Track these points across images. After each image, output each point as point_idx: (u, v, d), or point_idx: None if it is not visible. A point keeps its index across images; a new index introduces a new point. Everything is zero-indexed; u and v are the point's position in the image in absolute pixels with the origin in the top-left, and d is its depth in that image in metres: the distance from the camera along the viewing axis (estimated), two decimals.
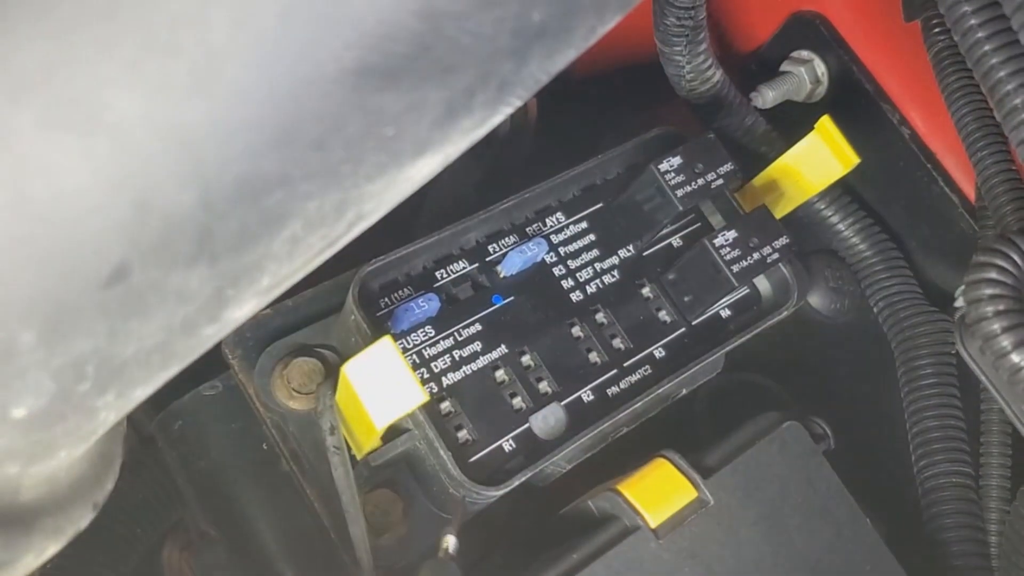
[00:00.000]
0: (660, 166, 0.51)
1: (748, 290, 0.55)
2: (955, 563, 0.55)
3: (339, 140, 0.22)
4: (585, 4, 0.22)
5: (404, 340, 0.46)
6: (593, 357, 0.49)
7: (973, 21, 0.44)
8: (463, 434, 0.45)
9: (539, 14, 0.22)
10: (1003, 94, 0.43)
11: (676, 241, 0.55)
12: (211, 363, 0.38)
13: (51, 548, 0.31)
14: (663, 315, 0.52)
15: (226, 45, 0.20)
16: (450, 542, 0.40)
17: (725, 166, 0.52)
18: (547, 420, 0.47)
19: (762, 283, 0.55)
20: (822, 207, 0.60)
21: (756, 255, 0.51)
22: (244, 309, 0.25)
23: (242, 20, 0.20)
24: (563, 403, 0.48)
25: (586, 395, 0.48)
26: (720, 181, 0.52)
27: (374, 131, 0.22)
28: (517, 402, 0.47)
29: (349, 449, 0.44)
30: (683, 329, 0.52)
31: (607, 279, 0.51)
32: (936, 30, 0.54)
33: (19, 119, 0.20)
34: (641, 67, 0.62)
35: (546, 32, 0.22)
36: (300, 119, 0.21)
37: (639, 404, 0.47)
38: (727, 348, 0.51)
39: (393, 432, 0.44)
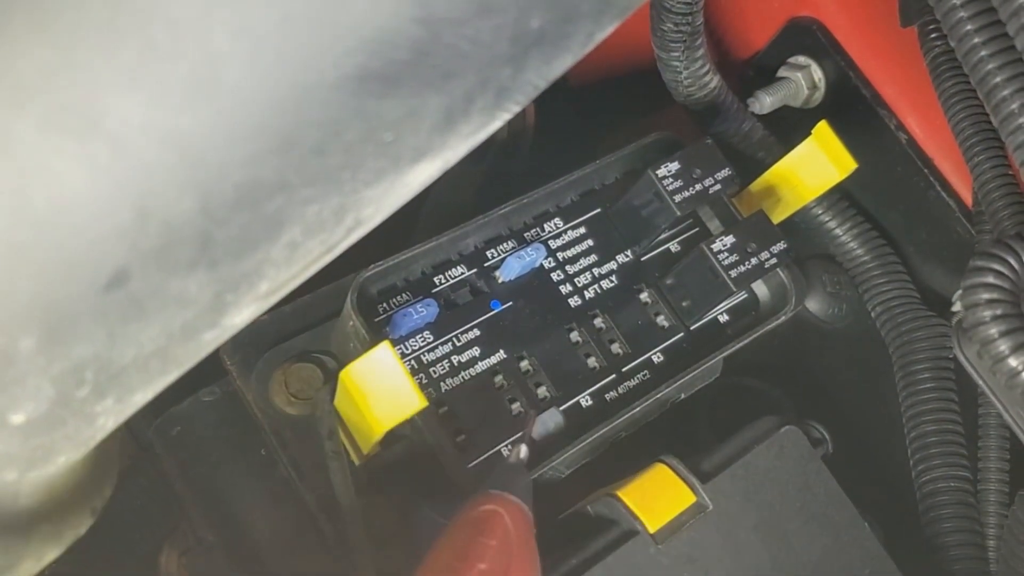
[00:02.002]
0: (658, 171, 0.51)
1: (746, 295, 0.55)
2: (954, 567, 0.55)
3: (338, 146, 0.22)
4: (583, 11, 0.22)
5: (402, 345, 0.46)
6: (591, 362, 0.49)
7: (969, 27, 0.44)
8: (461, 439, 0.45)
9: (537, 21, 0.22)
10: (999, 99, 0.43)
11: (674, 246, 0.55)
12: (209, 369, 0.38)
13: (50, 554, 0.31)
14: (661, 320, 0.52)
15: (226, 51, 0.20)
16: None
17: (723, 171, 0.52)
18: (545, 425, 0.47)
19: (760, 288, 0.55)
20: (819, 212, 0.60)
21: (754, 260, 0.51)
22: (243, 314, 0.25)
23: (242, 27, 0.20)
24: (561, 408, 0.48)
25: (584, 400, 0.48)
26: (718, 186, 0.52)
27: (373, 137, 0.22)
28: (516, 407, 0.47)
29: (348, 454, 0.44)
30: (681, 334, 0.52)
31: (605, 284, 0.52)
32: (933, 35, 0.54)
33: (20, 125, 0.20)
34: (639, 73, 0.62)
35: (544, 39, 0.22)
36: (300, 125, 0.21)
37: (637, 409, 0.47)
38: (725, 353, 0.51)
39: (392, 437, 0.44)
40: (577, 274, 0.51)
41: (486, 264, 0.49)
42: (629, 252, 0.53)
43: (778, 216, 0.55)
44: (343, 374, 0.40)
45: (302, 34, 0.20)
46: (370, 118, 0.22)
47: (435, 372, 0.46)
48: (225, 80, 0.20)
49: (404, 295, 0.47)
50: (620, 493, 0.47)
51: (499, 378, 0.47)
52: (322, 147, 0.22)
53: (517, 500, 0.38)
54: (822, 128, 0.53)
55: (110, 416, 0.26)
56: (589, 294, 0.51)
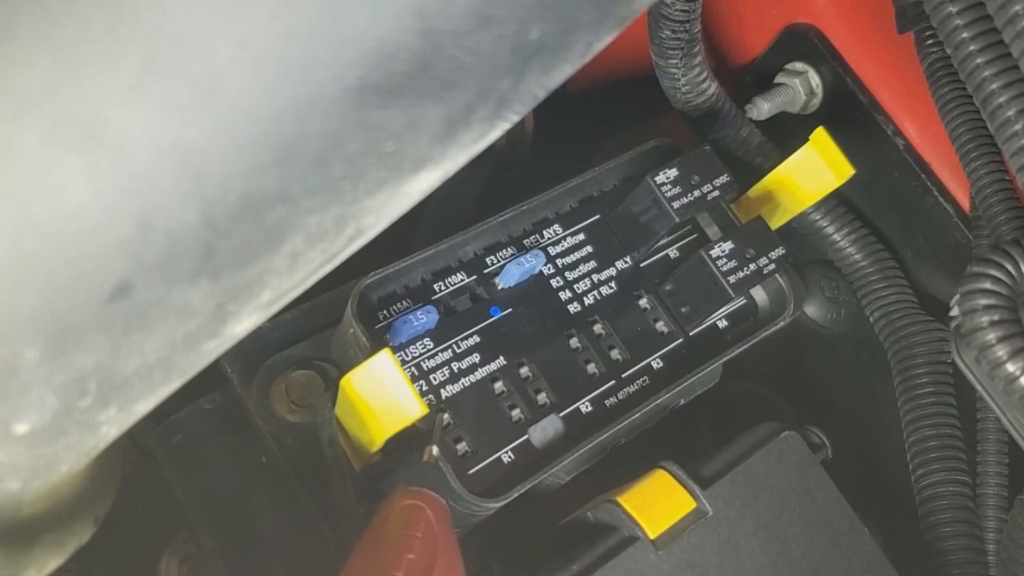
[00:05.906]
0: (656, 178, 0.51)
1: (745, 301, 0.55)
2: (953, 572, 0.55)
3: (340, 156, 0.22)
4: (582, 21, 0.23)
5: (403, 352, 0.46)
6: (591, 368, 0.50)
7: (965, 34, 0.44)
8: (462, 446, 0.45)
9: (537, 32, 0.22)
10: (995, 106, 0.44)
11: (673, 252, 0.55)
12: (210, 376, 0.38)
13: (53, 563, 0.31)
14: (660, 326, 0.52)
15: (229, 64, 0.20)
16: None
17: (721, 178, 0.53)
18: (545, 431, 0.47)
19: (759, 294, 0.55)
20: (817, 218, 0.60)
21: (752, 266, 0.51)
22: (245, 324, 0.25)
23: (245, 39, 0.20)
24: (561, 414, 0.48)
25: (584, 406, 0.48)
26: (716, 192, 0.52)
27: (374, 147, 0.22)
28: (515, 414, 0.47)
29: (348, 461, 0.44)
30: (680, 340, 0.52)
31: (604, 290, 0.52)
32: (929, 42, 0.54)
33: (23, 137, 0.20)
34: (637, 80, 0.62)
35: (544, 49, 0.22)
36: (302, 137, 0.21)
37: (637, 415, 0.48)
38: (724, 358, 0.51)
39: (392, 444, 0.44)
40: (576, 280, 0.51)
41: (486, 271, 0.49)
42: (628, 258, 0.53)
43: (776, 222, 0.55)
44: (344, 381, 0.40)
45: (304, 47, 0.20)
46: (371, 129, 0.22)
47: (435, 379, 0.46)
48: (227, 92, 0.20)
49: (404, 302, 0.47)
50: (620, 499, 0.47)
51: (499, 384, 0.47)
52: (323, 158, 0.22)
53: (435, 495, 0.39)
54: (820, 134, 0.54)
55: (113, 425, 0.26)
56: (588, 300, 0.51)
